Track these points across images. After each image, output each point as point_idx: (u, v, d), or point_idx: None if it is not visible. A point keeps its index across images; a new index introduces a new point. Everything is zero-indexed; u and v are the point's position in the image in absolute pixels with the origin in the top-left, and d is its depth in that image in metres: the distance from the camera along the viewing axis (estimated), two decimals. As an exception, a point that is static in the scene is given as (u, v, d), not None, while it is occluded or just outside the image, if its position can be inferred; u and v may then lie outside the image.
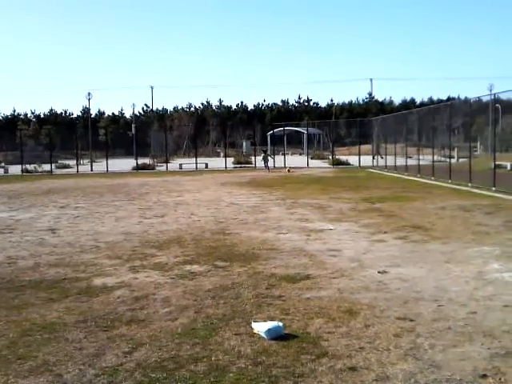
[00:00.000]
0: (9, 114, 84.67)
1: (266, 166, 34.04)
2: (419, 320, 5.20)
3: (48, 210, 14.81)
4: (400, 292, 6.16)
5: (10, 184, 26.17)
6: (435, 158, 24.71)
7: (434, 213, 12.51)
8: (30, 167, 37.30)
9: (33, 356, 4.55)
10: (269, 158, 35.00)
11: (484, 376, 3.98)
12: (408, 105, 74.29)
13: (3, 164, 42.85)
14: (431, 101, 75.88)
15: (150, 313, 5.63)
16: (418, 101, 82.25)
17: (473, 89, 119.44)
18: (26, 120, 77.97)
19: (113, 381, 4.06)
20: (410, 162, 27.23)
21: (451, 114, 23.11)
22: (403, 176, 25.61)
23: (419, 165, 25.52)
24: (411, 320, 5.20)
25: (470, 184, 18.68)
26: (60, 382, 4.06)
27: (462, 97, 56.77)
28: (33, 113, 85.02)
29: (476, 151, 32.71)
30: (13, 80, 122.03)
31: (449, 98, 68.73)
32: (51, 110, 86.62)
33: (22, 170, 36.17)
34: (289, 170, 32.47)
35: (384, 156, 30.67)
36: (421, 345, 4.58)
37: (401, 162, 28.47)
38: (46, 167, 37.28)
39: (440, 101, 68.89)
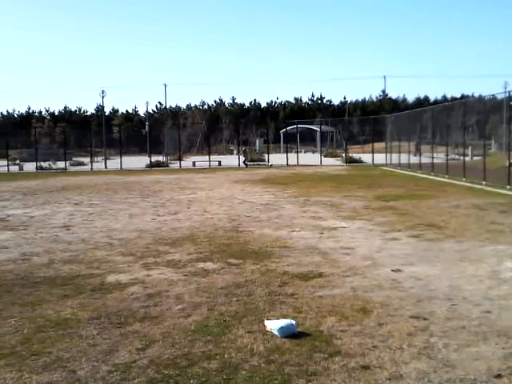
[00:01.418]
0: (23, 111, 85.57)
1: (245, 163, 36.31)
2: (433, 319, 5.16)
3: (62, 207, 14.91)
4: (414, 290, 6.12)
5: (25, 181, 26.37)
6: (449, 156, 24.53)
7: (448, 211, 12.43)
8: (45, 164, 37.56)
9: (47, 352, 4.58)
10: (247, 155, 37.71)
11: (499, 376, 3.95)
12: (422, 102, 73.85)
13: (18, 161, 43.18)
14: (445, 98, 75.37)
15: (163, 310, 5.65)
16: (431, 99, 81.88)
17: (487, 86, 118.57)
18: (40, 118, 78.59)
19: (126, 377, 4.08)
20: (424, 159, 27.05)
21: (465, 111, 22.92)
22: (417, 174, 25.45)
23: (433, 163, 25.35)
24: (425, 319, 5.17)
25: (484, 182, 18.52)
26: (73, 378, 4.09)
27: (476, 94, 56.26)
28: (47, 110, 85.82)
29: (490, 149, 32.37)
30: (27, 78, 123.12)
31: (463, 96, 68.18)
32: (65, 107, 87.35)
33: (37, 168, 36.43)
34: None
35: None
36: (434, 344, 4.55)
37: (414, 159, 28.29)
38: (61, 164, 37.57)
39: (454, 98, 68.30)
